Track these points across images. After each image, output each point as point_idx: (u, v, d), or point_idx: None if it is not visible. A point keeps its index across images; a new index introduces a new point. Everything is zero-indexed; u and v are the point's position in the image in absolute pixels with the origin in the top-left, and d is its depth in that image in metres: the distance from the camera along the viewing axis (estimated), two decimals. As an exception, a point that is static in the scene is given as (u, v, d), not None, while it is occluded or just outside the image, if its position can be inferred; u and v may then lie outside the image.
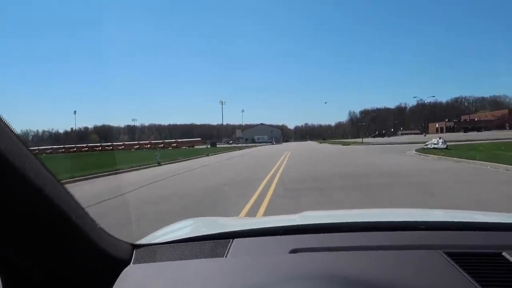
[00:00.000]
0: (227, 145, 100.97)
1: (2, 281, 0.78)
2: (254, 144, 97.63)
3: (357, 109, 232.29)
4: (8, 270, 0.77)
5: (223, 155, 36.46)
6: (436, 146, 23.87)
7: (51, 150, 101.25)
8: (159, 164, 23.53)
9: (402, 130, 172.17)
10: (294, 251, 1.10)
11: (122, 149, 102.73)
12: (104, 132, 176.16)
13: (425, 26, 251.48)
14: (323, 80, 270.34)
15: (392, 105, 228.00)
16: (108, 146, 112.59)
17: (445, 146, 23.44)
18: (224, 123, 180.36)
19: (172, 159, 27.56)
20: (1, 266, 0.77)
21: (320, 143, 73.54)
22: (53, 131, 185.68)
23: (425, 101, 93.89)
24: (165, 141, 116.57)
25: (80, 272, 0.84)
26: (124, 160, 27.97)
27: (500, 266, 0.98)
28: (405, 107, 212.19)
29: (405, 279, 0.89)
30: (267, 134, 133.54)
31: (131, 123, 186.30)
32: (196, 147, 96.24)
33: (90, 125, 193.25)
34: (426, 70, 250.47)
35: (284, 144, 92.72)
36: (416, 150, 23.33)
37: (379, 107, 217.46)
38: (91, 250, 0.87)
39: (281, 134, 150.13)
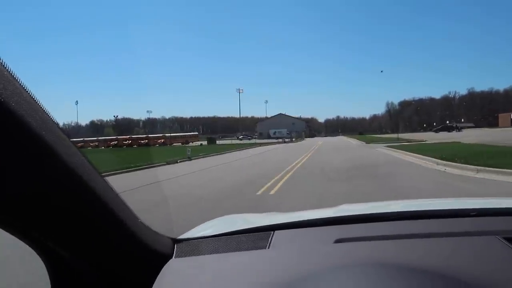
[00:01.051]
0: (235, 141, 71.19)
1: (49, 273, 0.79)
2: (264, 141, 65.95)
3: (395, 100, 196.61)
4: (55, 263, 0.78)
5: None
6: None
7: None
8: None
9: (449, 123, 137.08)
10: (339, 241, 1.04)
11: (81, 146, 74.11)
12: (122, 125, 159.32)
13: (475, 9, 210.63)
14: (356, 69, 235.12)
15: (437, 95, 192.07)
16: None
17: None
18: (249, 116, 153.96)
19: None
20: (48, 258, 0.77)
21: (367, 143, 40.09)
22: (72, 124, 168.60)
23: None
24: (150, 135, 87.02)
25: (124, 265, 0.84)
26: None
27: None
28: (453, 97, 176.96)
29: (463, 266, 0.83)
30: (287, 127, 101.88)
31: (151, 116, 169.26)
32: (192, 143, 69.14)
33: (106, 118, 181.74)
34: (476, 57, 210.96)
35: (307, 142, 61.04)
36: None
37: (421, 97, 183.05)
38: (134, 243, 0.86)
39: (306, 127, 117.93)
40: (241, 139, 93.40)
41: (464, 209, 1.29)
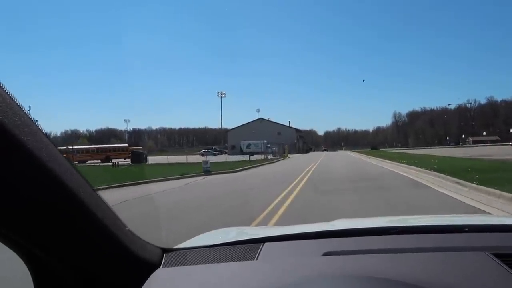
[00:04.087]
0: (191, 159, 38.89)
1: (33, 277, 0.77)
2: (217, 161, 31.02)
3: (402, 111, 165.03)
4: (39, 267, 0.76)
5: None
6: None
7: None
8: None
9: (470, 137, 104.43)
10: (327, 253, 1.01)
11: None
12: (104, 136, 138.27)
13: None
14: (358, 79, 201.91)
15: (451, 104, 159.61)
16: None
17: None
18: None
19: None
20: (31, 262, 0.75)
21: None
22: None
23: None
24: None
25: (109, 273, 0.82)
26: None
27: None
28: (470, 108, 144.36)
29: (451, 280, 0.81)
30: (270, 137, 67.16)
31: (136, 127, 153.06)
32: (117, 160, 40.35)
33: (83, 129, 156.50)
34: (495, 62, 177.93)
35: (277, 170, 26.24)
36: None
37: (432, 107, 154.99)
38: (120, 251, 0.84)
39: (297, 138, 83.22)
40: (203, 155, 61.93)
41: (456, 225, 1.25)
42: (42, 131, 0.66)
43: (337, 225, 1.34)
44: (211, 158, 44.36)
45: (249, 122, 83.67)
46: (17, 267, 0.84)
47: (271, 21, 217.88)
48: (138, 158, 42.37)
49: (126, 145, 60.45)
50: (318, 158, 37.33)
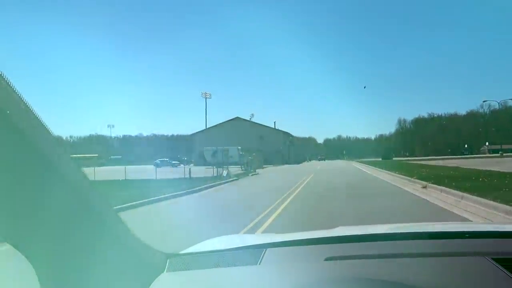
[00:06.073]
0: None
1: (40, 279, 0.74)
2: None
3: (407, 118, 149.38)
4: (47, 273, 0.73)
5: None
6: None
7: None
8: None
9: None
10: (329, 258, 1.00)
11: None
12: (88, 143, 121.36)
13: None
14: (359, 85, 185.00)
15: (461, 110, 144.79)
16: None
17: None
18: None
19: None
20: (41, 268, 0.72)
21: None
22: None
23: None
24: None
25: (114, 277, 0.80)
26: None
27: None
28: (485, 113, 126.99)
29: (452, 284, 0.81)
30: (249, 142, 49.09)
31: (128, 134, 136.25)
32: None
33: (66, 135, 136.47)
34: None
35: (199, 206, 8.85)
36: None
37: (440, 113, 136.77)
38: (125, 256, 0.84)
39: (286, 144, 64.73)
40: (159, 165, 45.64)
41: (456, 231, 1.26)
42: (42, 122, 0.64)
43: (338, 232, 1.32)
44: (161, 172, 28.56)
45: (222, 123, 64.16)
46: (24, 275, 0.80)
47: (272, 26, 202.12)
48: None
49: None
50: (303, 177, 19.11)
